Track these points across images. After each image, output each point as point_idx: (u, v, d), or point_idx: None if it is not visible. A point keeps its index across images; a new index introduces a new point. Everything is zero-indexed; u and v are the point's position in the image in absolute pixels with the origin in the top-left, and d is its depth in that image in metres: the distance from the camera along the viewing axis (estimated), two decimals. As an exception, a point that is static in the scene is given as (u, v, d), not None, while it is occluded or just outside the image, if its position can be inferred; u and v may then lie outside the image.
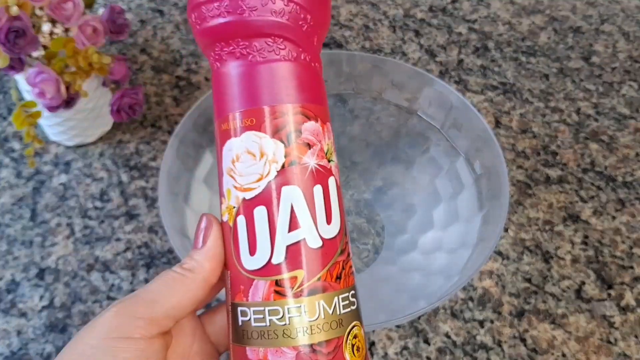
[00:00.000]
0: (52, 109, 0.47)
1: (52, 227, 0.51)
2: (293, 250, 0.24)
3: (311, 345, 0.23)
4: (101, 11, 0.49)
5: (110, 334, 0.23)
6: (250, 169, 0.24)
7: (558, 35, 0.68)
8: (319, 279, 0.24)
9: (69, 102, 0.48)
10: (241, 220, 0.24)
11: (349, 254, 0.26)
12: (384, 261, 0.47)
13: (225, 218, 0.25)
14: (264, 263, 0.24)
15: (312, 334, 0.23)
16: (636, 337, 0.45)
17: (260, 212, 0.24)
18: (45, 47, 0.46)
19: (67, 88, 0.47)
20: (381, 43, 0.67)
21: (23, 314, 0.46)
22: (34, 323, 0.45)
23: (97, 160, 0.55)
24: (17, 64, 0.45)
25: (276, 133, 0.24)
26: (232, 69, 0.25)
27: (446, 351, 0.44)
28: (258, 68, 0.25)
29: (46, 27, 0.45)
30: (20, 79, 0.49)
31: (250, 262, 0.24)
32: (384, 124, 0.50)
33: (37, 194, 0.53)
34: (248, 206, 0.24)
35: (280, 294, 0.24)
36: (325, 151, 0.25)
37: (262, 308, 0.24)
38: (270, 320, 0.24)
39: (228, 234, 0.25)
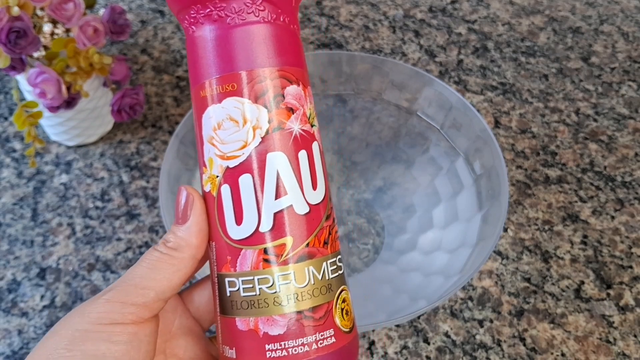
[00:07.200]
0: (53, 109, 0.47)
1: (53, 227, 0.51)
2: (280, 218, 0.23)
3: (302, 312, 0.23)
4: (102, 12, 0.49)
5: (101, 321, 0.22)
6: (233, 136, 0.24)
7: (557, 35, 0.69)
8: (307, 245, 0.24)
9: (69, 102, 0.48)
10: (226, 190, 0.24)
11: (334, 219, 0.26)
12: (384, 261, 0.47)
13: (207, 188, 0.25)
14: (251, 232, 0.23)
15: (302, 300, 0.23)
16: (635, 336, 0.45)
17: (245, 180, 0.23)
18: (46, 48, 0.46)
19: (68, 88, 0.47)
20: (381, 43, 0.67)
21: (24, 314, 0.46)
22: (35, 322, 0.45)
23: (98, 160, 0.55)
24: (18, 65, 0.45)
25: (259, 98, 0.23)
26: (210, 33, 0.24)
27: (446, 350, 0.44)
28: (237, 31, 0.24)
29: (47, 27, 0.45)
30: (21, 79, 0.49)
31: (237, 232, 0.24)
32: (384, 124, 0.50)
33: (38, 194, 0.53)
34: (232, 174, 0.24)
35: (269, 262, 0.23)
36: (308, 115, 0.25)
37: (251, 277, 0.23)
38: (260, 289, 0.23)
39: (212, 204, 0.24)
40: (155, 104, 0.60)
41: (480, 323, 0.45)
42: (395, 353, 0.44)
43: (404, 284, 0.44)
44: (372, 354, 0.44)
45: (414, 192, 0.49)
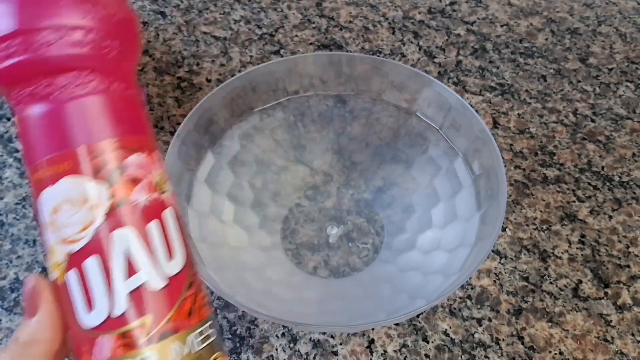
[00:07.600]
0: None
1: (55, 227, 0.51)
2: (135, 297, 0.22)
3: None
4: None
5: None
6: (72, 219, 0.22)
7: (555, 36, 0.69)
8: (168, 320, 0.22)
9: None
10: (72, 276, 0.22)
11: (199, 285, 0.24)
12: (384, 260, 0.47)
13: (54, 276, 0.23)
14: (104, 317, 0.22)
15: None
16: (633, 335, 0.45)
17: (91, 264, 0.22)
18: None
19: (70, 89, 0.48)
20: (380, 44, 0.67)
21: (27, 313, 0.46)
22: (37, 321, 0.46)
23: (100, 161, 0.56)
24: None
25: (97, 174, 0.22)
26: (38, 111, 0.22)
27: (445, 349, 0.44)
28: (66, 106, 0.22)
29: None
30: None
31: (90, 319, 0.22)
32: (383, 125, 0.50)
33: (40, 194, 0.53)
34: (77, 259, 0.22)
35: (129, 346, 0.22)
36: (156, 182, 0.24)
37: None
38: None
39: (61, 293, 0.23)
40: (157, 105, 0.60)
41: (479, 322, 0.46)
42: (395, 351, 0.44)
43: (403, 283, 0.44)
44: (371, 352, 0.44)
45: (413, 192, 0.49)
